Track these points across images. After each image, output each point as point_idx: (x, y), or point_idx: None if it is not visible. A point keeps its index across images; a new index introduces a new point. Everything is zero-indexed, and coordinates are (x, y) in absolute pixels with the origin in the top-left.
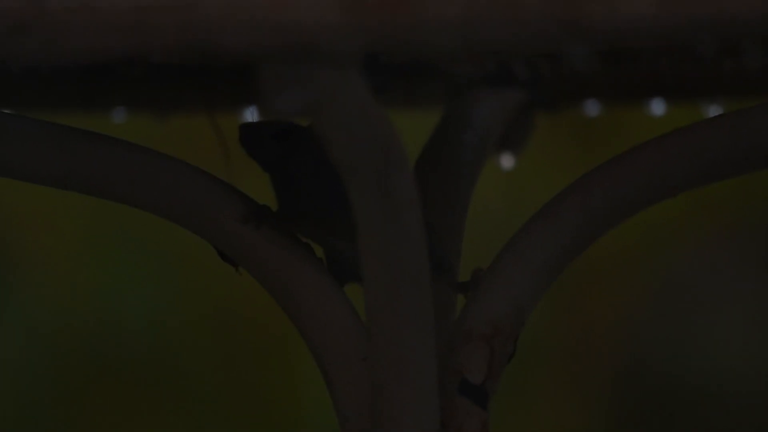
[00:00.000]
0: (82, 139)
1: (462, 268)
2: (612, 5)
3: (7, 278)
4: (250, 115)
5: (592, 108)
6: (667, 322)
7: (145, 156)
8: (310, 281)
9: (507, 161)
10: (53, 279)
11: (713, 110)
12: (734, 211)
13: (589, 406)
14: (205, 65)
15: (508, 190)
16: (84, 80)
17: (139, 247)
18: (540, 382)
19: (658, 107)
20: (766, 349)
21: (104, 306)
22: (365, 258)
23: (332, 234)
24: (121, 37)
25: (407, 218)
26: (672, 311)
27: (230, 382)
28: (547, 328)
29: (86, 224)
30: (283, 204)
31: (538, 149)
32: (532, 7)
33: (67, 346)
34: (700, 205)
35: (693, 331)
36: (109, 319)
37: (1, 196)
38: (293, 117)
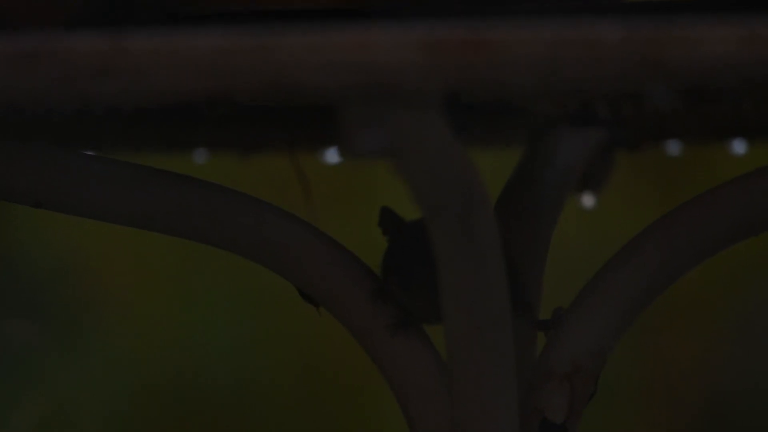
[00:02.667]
0: (165, 180)
1: (543, 307)
2: (693, 45)
3: (92, 320)
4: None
5: (673, 147)
6: (749, 359)
7: (226, 196)
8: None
9: (588, 200)
10: (137, 320)
11: None
12: None
13: None
14: (287, 105)
15: (589, 229)
16: (166, 121)
17: (221, 287)
18: (621, 421)
19: (739, 146)
20: None
21: (187, 346)
22: (446, 297)
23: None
24: (203, 78)
25: (488, 257)
26: (754, 348)
27: (312, 423)
28: (628, 367)
29: (169, 264)
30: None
31: (619, 188)
32: (613, 46)
33: (151, 386)
34: None
35: None
36: (192, 359)
37: (85, 236)
38: (374, 157)
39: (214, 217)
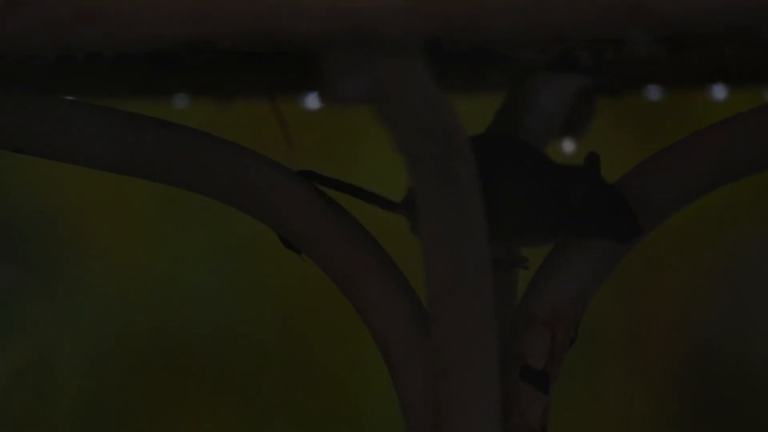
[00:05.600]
0: (146, 125)
1: (526, 254)
2: None
3: (74, 268)
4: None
5: (653, 93)
6: (731, 306)
7: (207, 141)
8: (372, 267)
9: (569, 146)
10: (118, 268)
11: None
12: None
13: (654, 391)
14: (268, 52)
15: None
16: (146, 67)
17: (203, 234)
18: (604, 368)
19: (720, 92)
20: None
21: (168, 293)
22: (427, 243)
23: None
24: (184, 24)
25: (469, 204)
26: (737, 296)
27: (294, 370)
28: (610, 314)
29: (151, 211)
30: None
31: (599, 134)
32: None
33: (133, 336)
34: (763, 189)
35: (758, 316)
36: (174, 308)
37: (66, 184)
38: (355, 103)
39: (194, 162)
